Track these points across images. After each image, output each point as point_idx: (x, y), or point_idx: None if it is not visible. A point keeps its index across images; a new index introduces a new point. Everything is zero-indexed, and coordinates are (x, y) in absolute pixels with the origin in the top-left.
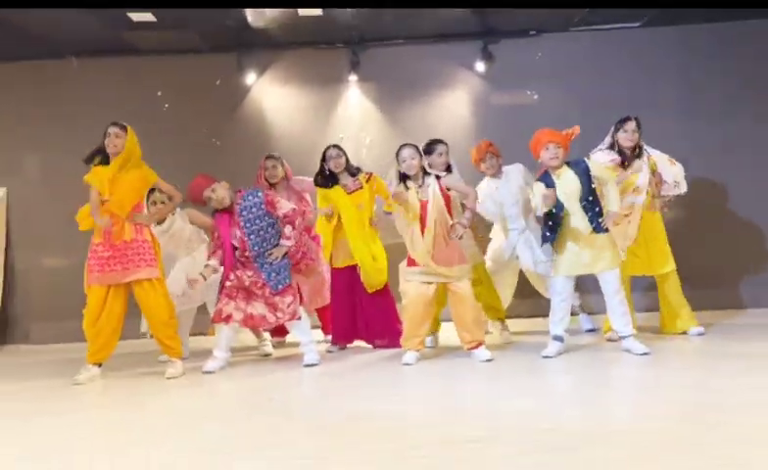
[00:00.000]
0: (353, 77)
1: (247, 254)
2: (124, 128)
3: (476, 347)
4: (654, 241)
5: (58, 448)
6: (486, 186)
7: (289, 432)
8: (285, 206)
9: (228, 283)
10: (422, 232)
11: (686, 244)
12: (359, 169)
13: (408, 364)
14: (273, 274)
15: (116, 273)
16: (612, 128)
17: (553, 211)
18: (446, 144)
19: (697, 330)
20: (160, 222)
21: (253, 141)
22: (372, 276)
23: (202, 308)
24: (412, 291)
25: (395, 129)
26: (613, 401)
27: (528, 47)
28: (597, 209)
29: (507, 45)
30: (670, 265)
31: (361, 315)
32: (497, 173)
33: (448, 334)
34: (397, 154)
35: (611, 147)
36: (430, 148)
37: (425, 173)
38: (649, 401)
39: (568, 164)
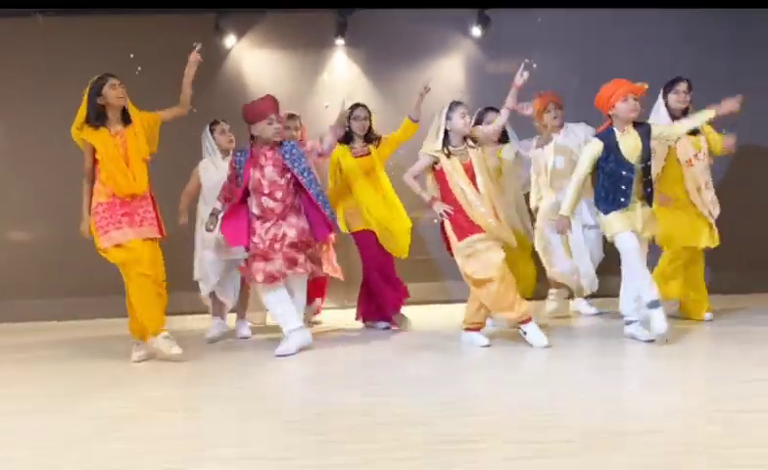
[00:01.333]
0: (339, 42)
1: (275, 199)
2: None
3: (526, 321)
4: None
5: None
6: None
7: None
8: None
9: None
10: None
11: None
12: (379, 139)
13: (485, 345)
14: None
15: (132, 228)
16: (660, 93)
17: (623, 173)
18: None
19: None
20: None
21: (231, 108)
22: (399, 238)
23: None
24: (484, 261)
25: (385, 98)
26: (621, 397)
27: (526, 13)
28: (649, 177)
29: (505, 11)
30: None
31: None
32: (561, 127)
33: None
34: (449, 111)
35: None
36: (480, 117)
37: (465, 139)
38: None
39: (634, 124)
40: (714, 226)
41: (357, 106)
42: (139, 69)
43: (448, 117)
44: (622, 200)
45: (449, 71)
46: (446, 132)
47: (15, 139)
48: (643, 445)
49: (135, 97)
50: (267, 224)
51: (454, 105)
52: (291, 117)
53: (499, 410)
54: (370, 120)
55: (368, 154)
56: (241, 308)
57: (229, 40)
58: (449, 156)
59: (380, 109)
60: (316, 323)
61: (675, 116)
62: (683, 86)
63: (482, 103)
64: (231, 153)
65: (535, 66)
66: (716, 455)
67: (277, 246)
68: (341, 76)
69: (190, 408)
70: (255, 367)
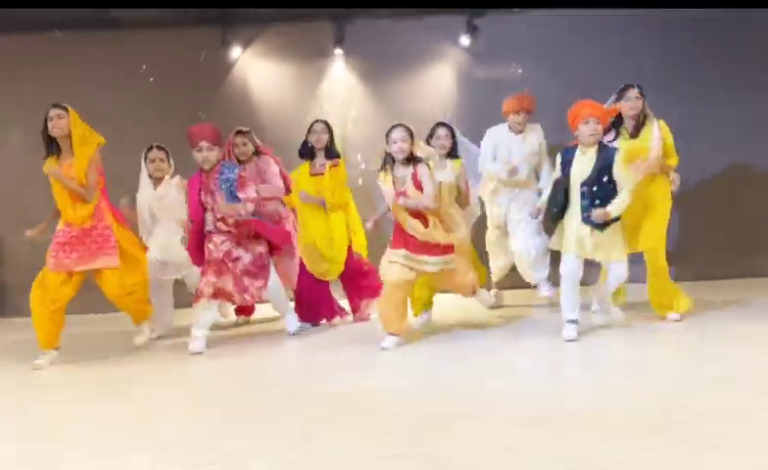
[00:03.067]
0: (338, 51)
1: (227, 224)
2: (66, 109)
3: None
4: (652, 212)
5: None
6: (498, 136)
7: (277, 411)
8: (250, 192)
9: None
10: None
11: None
12: (337, 156)
13: (386, 348)
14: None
15: (69, 261)
16: (613, 98)
17: (566, 189)
18: (448, 127)
19: (675, 316)
20: (158, 179)
21: (237, 115)
22: (317, 262)
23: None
24: (395, 275)
25: (380, 103)
26: (589, 381)
27: (513, 21)
28: (596, 201)
29: (493, 19)
30: (653, 242)
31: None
32: (521, 131)
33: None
34: (387, 133)
35: (614, 120)
36: (432, 132)
37: (414, 159)
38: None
39: (600, 144)
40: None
41: (316, 121)
42: (151, 79)
43: (386, 141)
44: (554, 211)
45: (440, 78)
46: (388, 153)
47: (32, 146)
48: (623, 427)
49: (147, 108)
50: (223, 237)
51: (390, 129)
52: (239, 133)
53: (482, 393)
54: (331, 135)
55: (322, 174)
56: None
57: (235, 52)
58: (384, 171)
59: (375, 113)
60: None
61: (626, 121)
62: (633, 92)
63: (472, 107)
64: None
65: (520, 71)
66: (688, 437)
67: (230, 264)
68: (339, 84)
69: (187, 411)
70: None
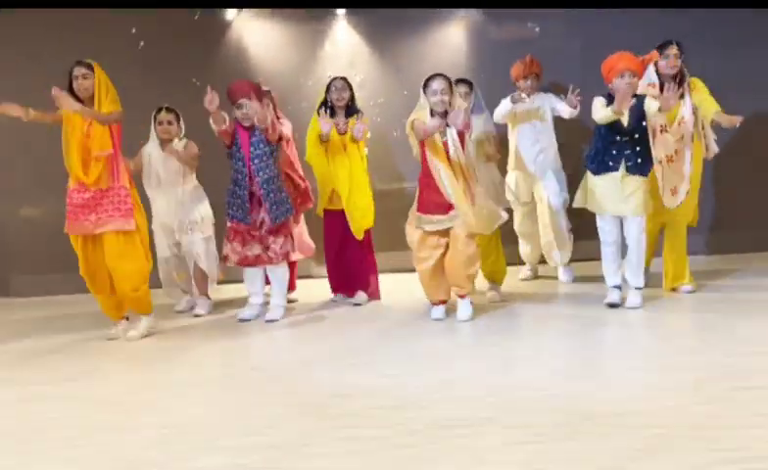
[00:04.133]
0: (340, 10)
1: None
2: (91, 67)
3: (464, 296)
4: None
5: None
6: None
7: (265, 413)
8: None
9: (228, 225)
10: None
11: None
12: (357, 111)
13: (438, 319)
14: (275, 206)
15: (89, 224)
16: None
17: (616, 137)
18: (468, 83)
19: (688, 288)
20: (167, 141)
21: (234, 79)
22: (357, 220)
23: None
24: (424, 250)
25: (387, 66)
26: (615, 375)
27: None
28: (638, 149)
29: None
30: (686, 216)
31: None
32: (530, 95)
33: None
34: (425, 85)
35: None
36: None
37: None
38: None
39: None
40: (665, 197)
41: (334, 78)
42: (142, 43)
43: (425, 93)
44: (610, 164)
45: (451, 38)
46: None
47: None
48: (636, 427)
49: (138, 70)
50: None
51: (428, 80)
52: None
53: (497, 392)
54: (351, 92)
55: (346, 132)
56: (198, 287)
57: (231, 12)
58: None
59: (381, 77)
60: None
61: (665, 81)
62: (673, 50)
63: (484, 69)
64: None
65: (537, 30)
66: (702, 437)
67: (255, 232)
68: (342, 45)
69: (202, 394)
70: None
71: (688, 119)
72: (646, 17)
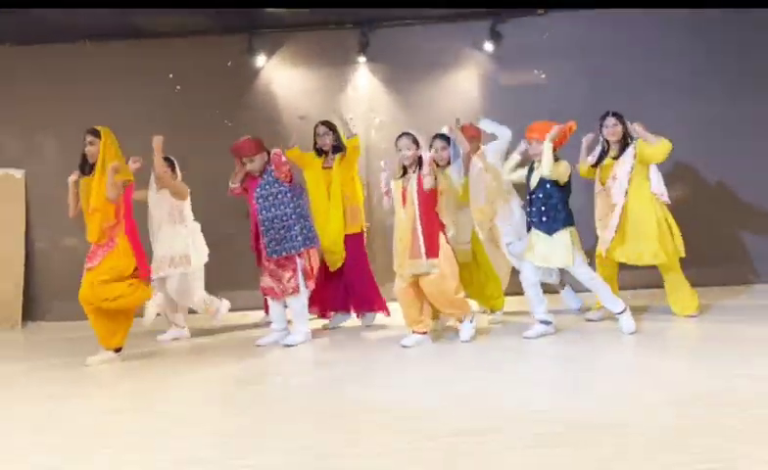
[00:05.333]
0: (362, 58)
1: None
2: (98, 134)
3: (462, 320)
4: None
5: (68, 433)
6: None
7: (297, 422)
8: (284, 170)
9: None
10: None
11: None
12: (343, 148)
13: (406, 346)
14: (273, 242)
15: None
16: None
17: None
18: (445, 138)
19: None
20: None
21: (263, 122)
22: (331, 253)
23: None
24: (396, 286)
25: (404, 109)
26: (615, 391)
27: (536, 26)
28: (542, 208)
29: (515, 24)
30: (658, 258)
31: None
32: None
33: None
34: (396, 141)
35: (602, 145)
36: (430, 143)
37: (419, 164)
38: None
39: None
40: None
41: (317, 124)
42: (178, 88)
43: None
44: (529, 220)
45: (463, 83)
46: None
47: (67, 149)
48: (624, 436)
49: (174, 114)
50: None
51: (397, 138)
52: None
53: (502, 406)
54: (335, 134)
55: (331, 167)
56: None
57: (261, 59)
58: (398, 180)
59: (398, 119)
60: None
61: (611, 146)
62: (610, 120)
63: (495, 112)
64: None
65: (543, 76)
66: (689, 447)
67: (267, 264)
68: (363, 91)
69: (245, 406)
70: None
71: (620, 177)
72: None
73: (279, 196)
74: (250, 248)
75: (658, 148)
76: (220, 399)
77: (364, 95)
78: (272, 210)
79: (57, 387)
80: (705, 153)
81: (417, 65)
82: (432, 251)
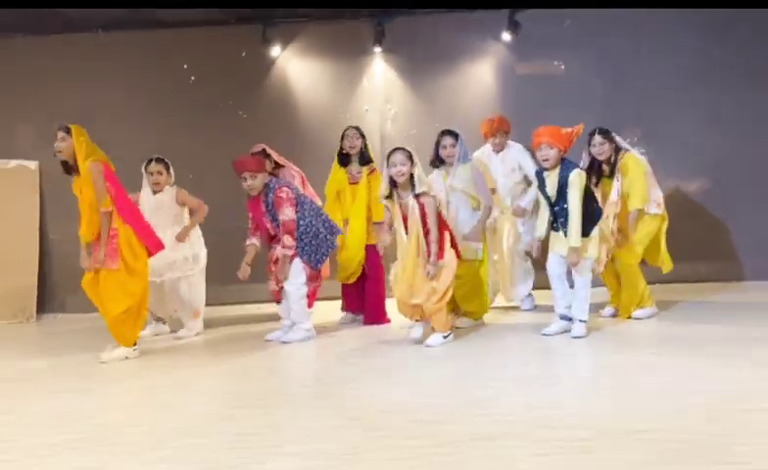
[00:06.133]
0: (377, 49)
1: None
2: (68, 130)
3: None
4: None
5: (83, 424)
6: (486, 156)
7: (322, 424)
8: (286, 214)
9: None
10: (405, 230)
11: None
12: (370, 160)
13: (415, 340)
14: (308, 256)
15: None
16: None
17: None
18: (453, 135)
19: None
20: (156, 192)
21: (278, 113)
22: (345, 267)
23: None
24: (397, 303)
25: (420, 101)
26: (636, 394)
27: (555, 16)
28: (561, 220)
29: (534, 14)
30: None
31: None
32: (501, 149)
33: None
34: (388, 156)
35: (591, 163)
36: (438, 139)
37: (413, 184)
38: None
39: (563, 163)
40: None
41: (348, 127)
42: (192, 78)
43: (387, 165)
44: (554, 226)
45: (481, 74)
46: (390, 178)
47: None
48: (650, 442)
49: (189, 106)
50: (272, 246)
51: (389, 154)
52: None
53: (521, 409)
54: (363, 140)
55: (358, 182)
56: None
57: (275, 50)
58: (389, 197)
59: (414, 110)
60: None
61: (598, 163)
62: (598, 139)
63: (513, 104)
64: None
65: (563, 67)
66: (719, 452)
67: (272, 266)
68: (379, 82)
69: (261, 406)
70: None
71: (614, 200)
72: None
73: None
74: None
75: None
76: (234, 397)
77: (380, 86)
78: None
79: (70, 382)
80: (726, 145)
81: (434, 55)
82: (440, 254)
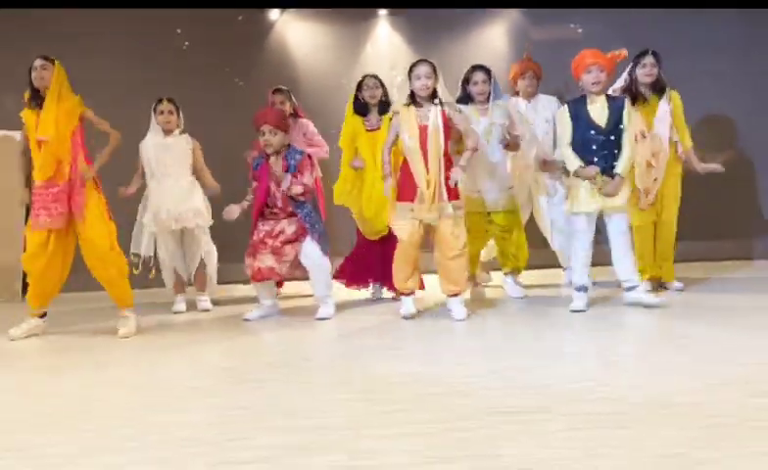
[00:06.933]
0: (382, 11)
1: (277, 207)
2: (52, 61)
3: (455, 294)
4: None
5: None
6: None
7: (318, 399)
8: (308, 179)
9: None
10: (425, 161)
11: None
12: (388, 106)
13: (407, 317)
14: (322, 238)
15: (63, 215)
16: (630, 65)
17: (591, 136)
18: (485, 71)
19: (678, 285)
20: (168, 131)
21: (276, 80)
22: (373, 223)
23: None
24: (405, 232)
25: None
26: (661, 368)
27: None
28: (615, 150)
29: None
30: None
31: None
32: (532, 96)
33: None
34: (410, 69)
35: (628, 86)
36: (468, 75)
37: (434, 97)
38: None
39: (606, 95)
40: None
41: (366, 76)
42: (186, 44)
43: (409, 78)
44: (595, 160)
45: (492, 39)
46: (412, 93)
47: None
48: (686, 416)
49: (182, 73)
50: (268, 221)
51: (412, 65)
52: (277, 91)
53: (546, 383)
54: (384, 89)
55: (379, 129)
56: (199, 282)
57: (273, 13)
58: (408, 106)
59: None
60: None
61: (642, 90)
62: (649, 59)
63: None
64: (249, 156)
65: (580, 30)
66: (757, 427)
67: (270, 241)
68: (383, 46)
69: (257, 380)
70: (310, 338)
71: (662, 132)
72: (690, 18)
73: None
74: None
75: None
76: (229, 373)
77: (385, 51)
78: (307, 205)
79: (56, 359)
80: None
81: (443, 18)
82: (454, 191)
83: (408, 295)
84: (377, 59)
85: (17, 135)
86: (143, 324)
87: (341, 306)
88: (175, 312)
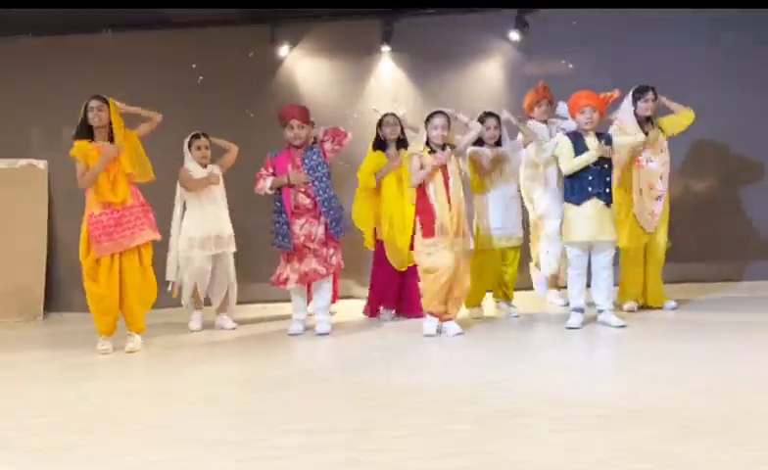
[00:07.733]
0: (385, 48)
1: (302, 205)
2: (105, 101)
3: (449, 319)
4: None
5: (88, 420)
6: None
7: (329, 405)
8: (328, 147)
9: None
10: (448, 200)
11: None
12: (405, 143)
13: (430, 335)
14: (334, 222)
15: (125, 239)
16: (630, 97)
17: (590, 166)
18: (496, 117)
19: (671, 304)
20: (204, 165)
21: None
22: (401, 254)
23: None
24: (440, 262)
25: (428, 100)
26: (643, 376)
27: (563, 16)
28: (607, 179)
29: (542, 14)
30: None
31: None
32: (548, 120)
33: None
34: (428, 119)
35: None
36: (481, 120)
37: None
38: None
39: (596, 133)
40: (641, 228)
41: (386, 114)
42: (201, 78)
43: (426, 127)
44: (590, 189)
45: (489, 73)
46: (427, 139)
47: None
48: (665, 418)
49: (197, 104)
50: (302, 219)
51: (429, 117)
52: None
53: (537, 391)
54: (401, 126)
55: (401, 165)
56: (223, 303)
57: (283, 50)
58: (431, 152)
59: (422, 110)
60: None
61: (640, 121)
62: (650, 95)
63: (521, 104)
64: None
65: (571, 66)
66: (729, 430)
67: (310, 245)
68: (387, 81)
69: (269, 389)
70: (313, 352)
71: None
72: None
73: (328, 175)
74: (275, 236)
75: (680, 117)
76: (243, 384)
77: (388, 85)
78: (328, 191)
79: (77, 372)
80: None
81: (442, 54)
82: (467, 231)
83: (437, 316)
84: (380, 92)
85: (40, 164)
86: (163, 343)
87: (343, 322)
88: (192, 330)
